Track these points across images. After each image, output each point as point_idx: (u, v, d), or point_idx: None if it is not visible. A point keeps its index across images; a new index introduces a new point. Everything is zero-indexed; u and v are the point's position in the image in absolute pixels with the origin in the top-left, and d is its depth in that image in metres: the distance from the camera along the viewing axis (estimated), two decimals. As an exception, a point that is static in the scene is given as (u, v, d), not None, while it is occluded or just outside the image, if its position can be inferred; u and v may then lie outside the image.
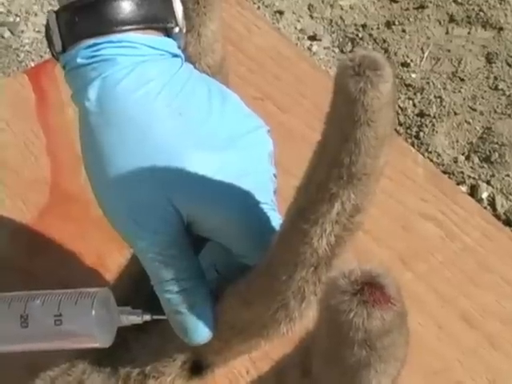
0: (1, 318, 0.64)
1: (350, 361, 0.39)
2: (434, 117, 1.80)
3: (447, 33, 1.83)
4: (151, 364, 0.66)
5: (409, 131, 1.80)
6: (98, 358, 0.66)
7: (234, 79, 0.66)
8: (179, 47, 0.64)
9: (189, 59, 0.62)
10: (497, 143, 1.70)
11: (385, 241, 0.72)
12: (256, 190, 0.61)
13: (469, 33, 1.83)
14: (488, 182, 1.65)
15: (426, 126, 1.73)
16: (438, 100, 1.73)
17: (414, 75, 1.76)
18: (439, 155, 1.70)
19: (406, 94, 1.76)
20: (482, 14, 1.88)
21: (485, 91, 1.74)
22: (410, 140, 1.74)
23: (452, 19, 1.85)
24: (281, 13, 1.92)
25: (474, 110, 1.94)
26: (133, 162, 0.61)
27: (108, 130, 0.62)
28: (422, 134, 1.72)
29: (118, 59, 0.62)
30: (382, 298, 0.38)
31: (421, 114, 1.73)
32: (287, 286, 0.58)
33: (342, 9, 1.95)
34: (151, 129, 0.61)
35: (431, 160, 1.68)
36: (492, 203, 1.62)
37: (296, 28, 1.93)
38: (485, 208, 1.64)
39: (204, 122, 0.63)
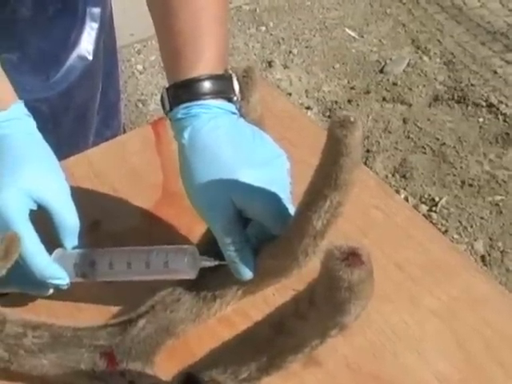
0: (133, 261, 0.66)
1: (340, 298, 0.39)
2: (375, 152, 1.81)
3: (381, 106, 1.84)
4: (219, 290, 0.68)
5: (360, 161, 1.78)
6: (189, 286, 0.67)
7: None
8: (237, 108, 0.61)
9: (242, 116, 0.61)
10: (409, 167, 1.71)
11: (351, 220, 0.73)
12: (280, 190, 0.63)
13: (393, 106, 1.84)
14: (404, 189, 1.66)
15: (370, 157, 1.73)
16: (377, 143, 1.74)
17: (363, 129, 1.78)
18: (376, 174, 1.71)
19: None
20: (401, 96, 1.89)
21: (402, 138, 1.76)
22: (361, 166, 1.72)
23: (384, 99, 1.86)
24: (290, 94, 1.95)
25: (397, 148, 1.95)
26: (208, 174, 0.63)
27: (194, 156, 0.64)
28: (368, 161, 1.72)
29: (200, 115, 0.65)
30: (359, 262, 0.38)
31: (367, 151, 1.73)
32: (297, 247, 0.60)
33: (324, 92, 1.94)
34: (218, 155, 0.63)
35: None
36: (406, 200, 1.64)
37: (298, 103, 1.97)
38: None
39: (249, 150, 0.65)
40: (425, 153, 1.89)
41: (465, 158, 1.88)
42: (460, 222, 1.70)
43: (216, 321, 0.71)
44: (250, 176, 0.62)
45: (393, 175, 1.80)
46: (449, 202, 1.75)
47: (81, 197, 0.75)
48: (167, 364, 0.66)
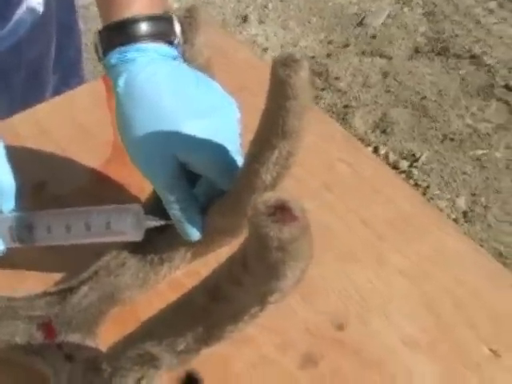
0: (73, 224, 0.60)
1: (272, 259, 0.33)
2: (354, 107, 1.75)
3: (360, 61, 1.78)
4: (166, 253, 0.63)
5: (339, 116, 1.75)
6: (134, 249, 0.62)
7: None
8: (179, 53, 0.54)
9: (186, 61, 0.55)
10: (389, 122, 1.66)
11: (315, 174, 0.67)
12: (227, 142, 0.58)
13: (372, 60, 1.78)
14: (384, 144, 1.60)
15: (349, 112, 1.67)
16: (355, 98, 1.68)
17: (341, 84, 1.71)
18: (356, 129, 1.65)
19: (336, 94, 1.72)
20: (380, 49, 1.84)
21: (381, 93, 1.70)
22: (339, 121, 1.70)
23: (363, 53, 1.80)
24: (266, 49, 1.88)
25: (377, 103, 1.90)
26: (146, 125, 0.57)
27: (131, 104, 0.58)
28: (347, 117, 1.66)
29: (137, 59, 0.59)
30: (290, 218, 0.32)
31: (346, 106, 1.67)
32: (246, 203, 0.54)
33: (301, 47, 1.89)
34: (156, 103, 0.57)
35: (353, 133, 1.65)
36: (386, 156, 1.58)
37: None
38: (382, 160, 1.60)
39: (193, 99, 0.59)
40: (406, 107, 1.83)
41: (446, 111, 1.82)
42: (442, 177, 1.64)
43: (166, 284, 0.66)
44: (193, 126, 0.56)
45: (373, 131, 1.74)
46: (430, 158, 1.69)
47: (26, 156, 0.69)
48: (112, 334, 0.61)
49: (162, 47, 0.59)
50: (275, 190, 0.55)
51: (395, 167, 1.66)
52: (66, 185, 0.77)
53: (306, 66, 0.47)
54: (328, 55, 1.99)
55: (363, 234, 0.70)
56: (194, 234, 0.59)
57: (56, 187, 0.77)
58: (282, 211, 0.34)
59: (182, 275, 0.66)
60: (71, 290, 0.62)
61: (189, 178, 0.59)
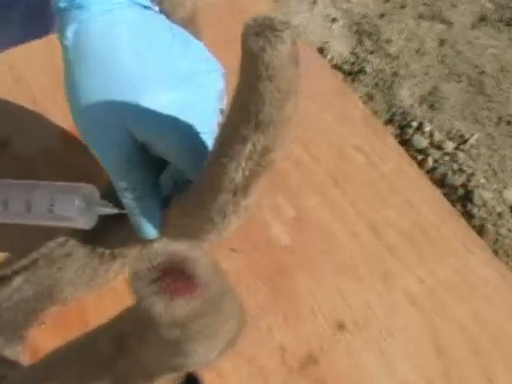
0: (11, 199, 0.49)
1: (165, 337, 0.21)
2: (402, 76, 1.61)
3: (416, 24, 1.63)
4: (119, 248, 0.52)
5: (385, 84, 1.61)
6: (85, 238, 0.51)
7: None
8: (153, 2, 0.41)
9: (164, 13, 0.42)
10: (439, 97, 1.51)
11: (323, 163, 0.55)
12: (199, 121, 0.45)
13: (429, 25, 1.63)
14: (430, 121, 1.46)
15: (397, 82, 1.53)
16: (405, 66, 1.53)
17: (392, 48, 1.56)
18: (401, 101, 1.51)
19: (385, 60, 1.58)
20: (441, 13, 1.68)
21: (435, 63, 1.55)
22: (384, 90, 1.56)
23: (421, 16, 1.65)
24: (315, 2, 1.75)
25: (428, 74, 1.74)
26: (96, 91, 0.45)
27: (80, 63, 0.46)
28: (393, 86, 1.52)
29: (91, 7, 0.46)
30: (186, 287, 0.19)
31: (394, 74, 1.53)
32: (211, 205, 0.43)
33: (353, 2, 1.75)
34: (112, 64, 0.45)
35: (397, 105, 1.52)
36: (431, 135, 1.44)
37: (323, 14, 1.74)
38: (425, 138, 1.46)
39: (162, 62, 0.46)
40: (459, 81, 1.66)
41: (505, 90, 1.65)
42: (490, 164, 1.49)
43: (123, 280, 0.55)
44: (157, 98, 0.44)
45: (420, 104, 1.58)
46: (480, 141, 1.53)
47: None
48: (49, 340, 0.51)
49: (127, -8, 0.48)
50: (248, 195, 0.43)
51: (439, 148, 1.51)
52: (33, 144, 0.66)
53: (289, 35, 0.35)
54: (382, 15, 1.83)
55: (371, 244, 0.58)
56: (150, 231, 0.48)
57: (20, 146, 0.66)
58: (173, 276, 0.22)
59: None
60: (2, 281, 0.52)
61: (156, 162, 0.48)
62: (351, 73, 1.80)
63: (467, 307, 0.54)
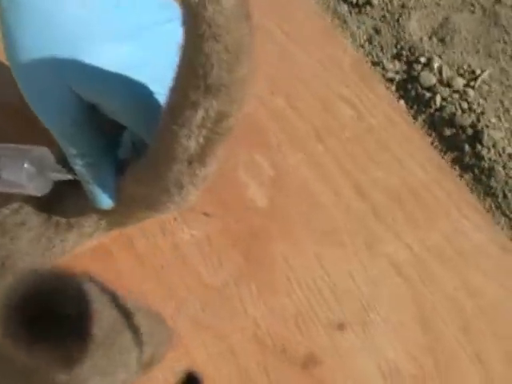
0: None
1: None
2: (411, 7, 1.50)
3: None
4: (75, 217, 0.48)
5: (393, 17, 1.51)
6: (39, 205, 0.47)
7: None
8: None
9: None
10: (450, 29, 1.41)
11: (306, 116, 0.50)
12: (152, 80, 0.41)
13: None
14: (440, 56, 1.38)
15: (405, 13, 1.44)
16: (414, -3, 1.45)
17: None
18: (410, 35, 1.41)
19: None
20: None
21: (445, -7, 1.46)
22: (392, 23, 1.46)
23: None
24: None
25: (439, 4, 1.64)
26: (36, 47, 0.40)
27: (17, 15, 0.41)
28: (402, 19, 1.42)
29: None
30: None
31: (403, 6, 1.44)
32: (166, 175, 0.40)
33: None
34: (54, 17, 0.40)
35: (406, 39, 1.42)
36: (440, 71, 1.36)
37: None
38: (434, 75, 1.38)
39: (110, 13, 0.41)
40: (473, 12, 1.57)
41: (523, 21, 1.56)
42: (502, 102, 1.42)
43: (90, 250, 0.51)
44: (102, 53, 0.39)
45: (429, 38, 1.50)
46: (492, 77, 1.46)
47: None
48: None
49: None
50: (206, 164, 0.38)
51: (448, 85, 1.44)
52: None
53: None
54: None
55: (356, 206, 0.53)
56: (104, 200, 0.44)
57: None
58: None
59: (110, 241, 0.51)
60: None
61: (115, 124, 0.44)
62: (357, 4, 1.72)
63: (459, 278, 0.50)
